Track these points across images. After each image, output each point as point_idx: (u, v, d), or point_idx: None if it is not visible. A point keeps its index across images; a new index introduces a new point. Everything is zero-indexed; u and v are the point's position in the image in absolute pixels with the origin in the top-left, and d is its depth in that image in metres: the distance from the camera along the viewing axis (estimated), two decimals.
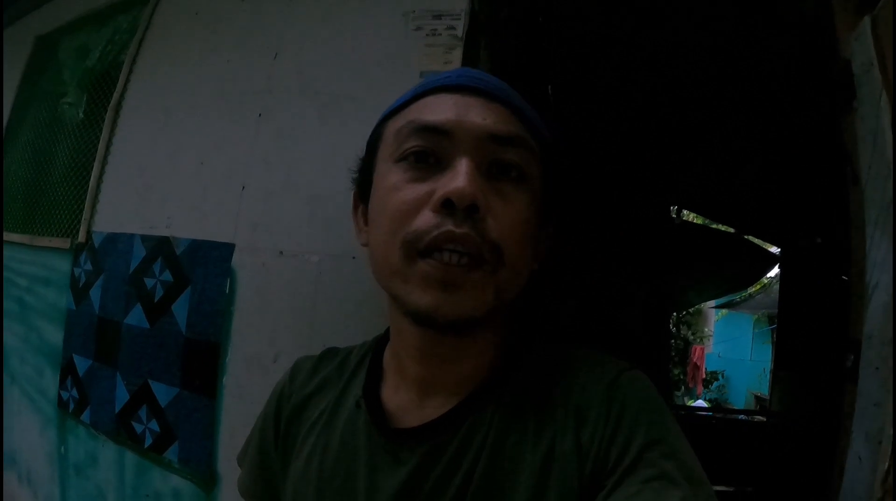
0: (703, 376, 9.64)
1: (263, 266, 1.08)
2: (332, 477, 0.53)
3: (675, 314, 7.36)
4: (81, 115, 1.67)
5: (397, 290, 0.48)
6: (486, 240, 0.45)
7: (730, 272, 3.79)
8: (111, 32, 1.65)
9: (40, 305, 1.58)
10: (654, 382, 0.51)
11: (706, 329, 10.59)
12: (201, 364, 1.12)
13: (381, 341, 0.61)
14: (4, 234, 1.79)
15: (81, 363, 1.36)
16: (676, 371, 8.76)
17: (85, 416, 1.33)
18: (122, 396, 1.24)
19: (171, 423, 1.15)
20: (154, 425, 1.18)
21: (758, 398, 8.32)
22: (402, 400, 0.54)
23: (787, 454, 2.72)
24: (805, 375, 2.74)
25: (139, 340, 1.23)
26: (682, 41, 1.72)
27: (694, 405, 7.09)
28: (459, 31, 1.01)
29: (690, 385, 9.28)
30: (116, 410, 1.25)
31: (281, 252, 1.07)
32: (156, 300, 1.21)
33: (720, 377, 10.25)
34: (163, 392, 1.17)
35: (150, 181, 1.33)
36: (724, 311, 10.60)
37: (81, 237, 1.44)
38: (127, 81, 1.49)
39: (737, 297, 8.93)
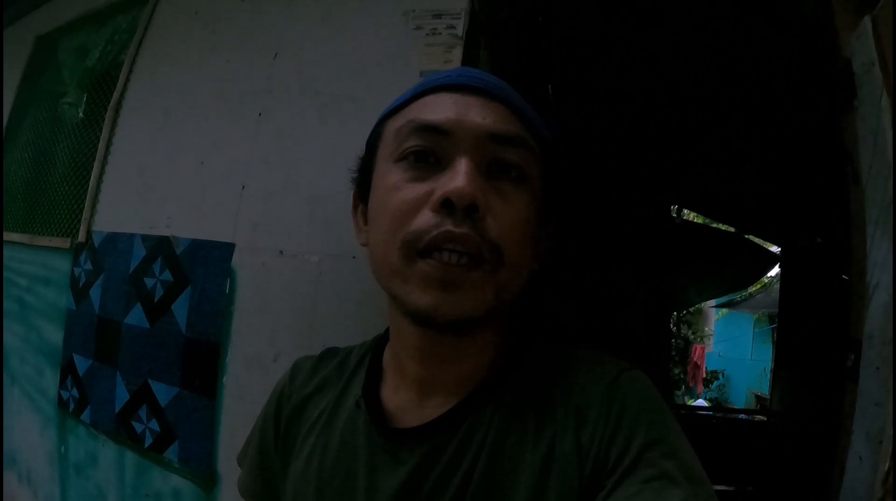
0: (704, 375, 9.64)
1: (263, 266, 1.08)
2: (331, 477, 0.53)
3: (675, 313, 7.37)
4: (81, 114, 1.67)
5: (397, 290, 0.48)
6: (486, 240, 0.45)
7: (730, 272, 3.79)
8: (111, 32, 1.65)
9: (40, 304, 1.58)
10: (654, 381, 0.51)
11: (706, 328, 10.59)
12: (201, 364, 1.12)
13: (381, 340, 0.61)
14: (4, 233, 1.79)
15: (81, 363, 1.36)
16: (677, 371, 8.76)
17: (85, 416, 1.33)
18: (122, 396, 1.24)
19: (171, 423, 1.15)
20: (154, 424, 1.18)
21: (758, 398, 8.31)
22: (402, 400, 0.54)
23: (788, 453, 2.72)
24: (805, 374, 2.74)
25: (139, 340, 1.23)
26: (682, 41, 1.72)
27: (694, 404, 7.09)
28: (459, 31, 1.00)
29: (691, 385, 9.29)
30: (116, 410, 1.25)
31: (281, 252, 1.07)
32: (156, 300, 1.21)
33: (720, 376, 10.25)
34: (163, 392, 1.17)
35: (150, 181, 1.33)
36: (725, 310, 10.60)
37: (81, 237, 1.44)
38: (127, 80, 1.49)
39: (737, 296, 8.92)
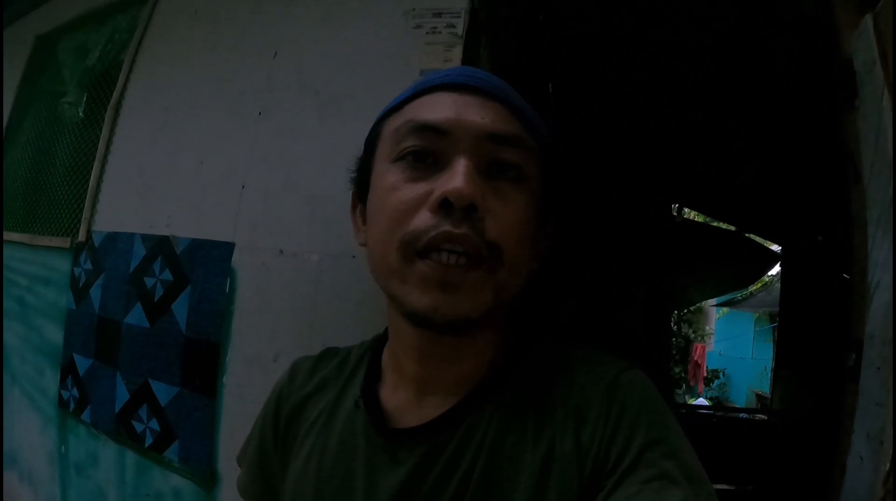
0: (705, 374, 9.65)
1: (263, 266, 1.08)
2: (330, 477, 0.53)
3: (676, 312, 7.37)
4: (81, 114, 1.67)
5: (395, 290, 0.48)
6: (485, 240, 0.45)
7: (730, 271, 3.78)
8: (111, 32, 1.65)
9: (41, 304, 1.58)
10: (654, 381, 0.50)
11: (707, 327, 10.60)
12: (201, 364, 1.12)
13: (380, 340, 0.61)
14: (5, 233, 1.79)
15: (82, 363, 1.36)
16: (677, 369, 8.77)
17: (85, 415, 1.33)
18: (122, 395, 1.24)
19: (171, 422, 1.15)
20: (154, 424, 1.18)
21: (759, 397, 8.31)
22: (401, 400, 0.54)
23: (788, 452, 2.72)
24: (806, 373, 2.74)
25: (139, 339, 1.23)
26: (682, 41, 1.72)
27: (695, 403, 7.09)
28: (460, 30, 1.00)
29: (691, 383, 9.29)
30: (117, 409, 1.25)
31: (281, 251, 1.07)
32: (156, 300, 1.21)
33: (721, 375, 10.26)
34: (163, 392, 1.17)
35: (150, 180, 1.33)
36: (726, 309, 10.60)
37: (81, 237, 1.44)
38: (126, 80, 1.49)
39: (738, 295, 8.92)
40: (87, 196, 1.46)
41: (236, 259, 1.11)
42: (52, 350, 1.47)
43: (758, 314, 9.89)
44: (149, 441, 1.19)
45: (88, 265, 1.40)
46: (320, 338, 0.97)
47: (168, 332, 1.18)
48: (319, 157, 1.07)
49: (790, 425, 2.93)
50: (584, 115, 2.24)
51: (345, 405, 0.57)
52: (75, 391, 1.37)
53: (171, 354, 1.17)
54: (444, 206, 0.44)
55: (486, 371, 0.53)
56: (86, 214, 1.45)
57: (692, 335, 9.77)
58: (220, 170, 1.19)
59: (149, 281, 1.23)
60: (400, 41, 1.04)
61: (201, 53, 1.33)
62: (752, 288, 8.40)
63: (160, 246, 1.23)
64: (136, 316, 1.24)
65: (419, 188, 0.46)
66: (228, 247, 1.12)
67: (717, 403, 8.54)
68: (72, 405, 1.38)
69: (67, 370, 1.40)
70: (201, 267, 1.15)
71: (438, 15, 1.02)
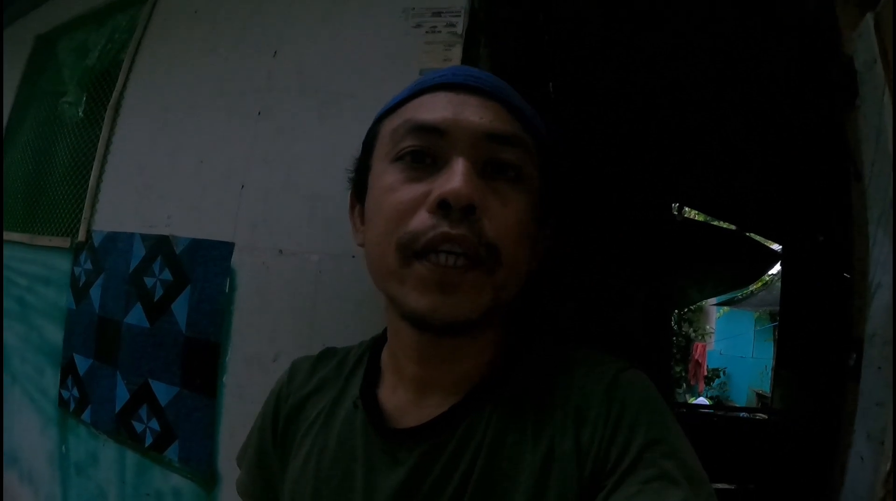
0: (705, 373, 9.66)
1: (263, 265, 1.08)
2: (329, 477, 0.53)
3: (676, 311, 7.36)
4: (81, 114, 1.67)
5: (394, 291, 0.47)
6: (483, 241, 0.45)
7: (731, 270, 3.78)
8: (110, 31, 1.65)
9: (41, 304, 1.58)
10: (654, 381, 0.50)
11: (708, 326, 10.60)
12: (201, 363, 1.12)
13: (379, 341, 0.61)
14: (5, 233, 1.79)
15: (82, 363, 1.36)
16: (678, 369, 8.77)
17: (85, 415, 1.33)
18: (122, 395, 1.24)
19: (171, 422, 1.15)
20: (154, 424, 1.18)
21: (759, 396, 8.31)
22: (400, 400, 0.54)
23: (789, 451, 2.72)
24: (807, 373, 2.74)
25: (139, 339, 1.23)
26: (682, 43, 1.71)
27: (695, 402, 7.09)
28: (459, 29, 1.00)
29: (692, 383, 9.30)
30: (117, 409, 1.25)
31: (281, 251, 1.07)
32: (156, 299, 1.21)
33: (722, 374, 10.26)
34: (163, 392, 1.17)
35: (150, 180, 1.33)
36: (726, 308, 10.60)
37: (81, 236, 1.44)
38: (126, 79, 1.49)
39: (738, 294, 8.92)
40: (87, 196, 1.46)
41: (236, 259, 1.11)
42: (53, 350, 1.47)
43: (758, 313, 9.89)
44: (149, 440, 1.19)
45: (88, 265, 1.40)
46: (320, 338, 0.97)
47: (168, 332, 1.18)
48: (319, 156, 1.07)
49: (791, 424, 2.93)
50: (584, 116, 2.23)
51: (344, 406, 0.57)
52: (75, 391, 1.37)
53: (171, 354, 1.17)
54: (443, 207, 0.44)
55: (485, 371, 0.53)
56: (85, 213, 1.45)
57: (693, 334, 9.77)
58: (219, 169, 1.19)
59: (149, 281, 1.23)
60: (399, 40, 1.04)
61: (201, 53, 1.33)
62: (753, 287, 8.40)
63: (160, 246, 1.23)
64: (136, 316, 1.24)
65: (417, 189, 0.46)
66: (228, 247, 1.12)
67: (718, 402, 8.54)
68: (72, 405, 1.38)
69: (68, 369, 1.40)
70: (201, 267, 1.15)
71: (438, 14, 1.02)
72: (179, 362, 1.15)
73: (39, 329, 1.56)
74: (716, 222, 4.21)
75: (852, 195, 0.82)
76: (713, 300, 9.35)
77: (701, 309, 10.00)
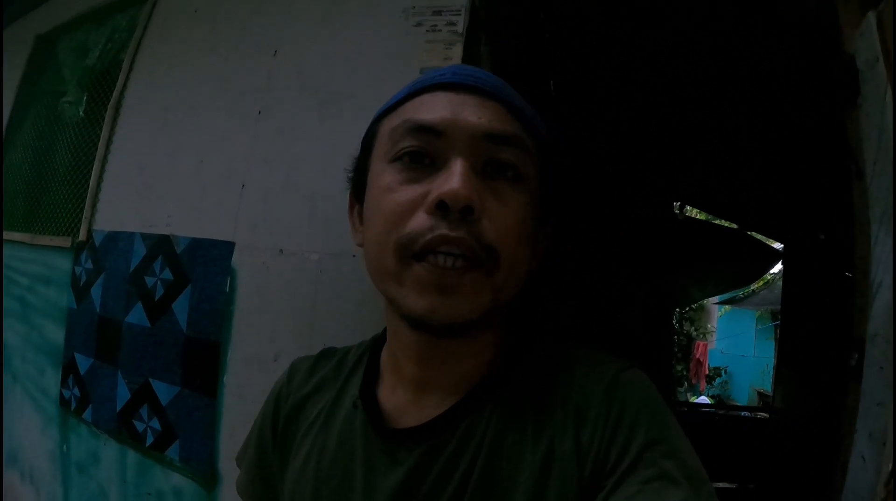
0: (706, 372, 9.66)
1: (263, 265, 1.08)
2: (329, 478, 0.53)
3: (677, 310, 7.36)
4: (81, 113, 1.67)
5: (392, 292, 0.47)
6: (482, 242, 0.45)
7: (732, 269, 3.78)
8: (110, 31, 1.65)
9: (42, 303, 1.58)
10: (655, 381, 0.50)
11: (709, 325, 10.60)
12: (202, 363, 1.12)
13: (379, 341, 0.60)
14: (5, 233, 1.79)
15: (83, 362, 1.37)
16: (679, 367, 8.77)
17: (86, 415, 1.33)
18: (123, 394, 1.25)
19: (172, 422, 1.16)
20: (155, 423, 1.18)
21: (761, 395, 8.32)
22: (400, 400, 0.54)
23: (790, 451, 2.72)
24: (808, 372, 2.74)
25: (140, 338, 1.23)
26: (683, 41, 1.71)
27: (697, 401, 7.09)
28: (460, 28, 1.00)
29: (693, 381, 9.30)
30: (118, 408, 1.25)
31: (281, 251, 1.07)
32: (156, 299, 1.21)
33: (723, 373, 10.25)
34: (164, 391, 1.17)
35: (150, 180, 1.33)
36: (728, 307, 10.59)
37: (82, 236, 1.44)
38: (126, 79, 1.49)
39: (740, 293, 8.91)
40: (88, 196, 1.46)
41: (236, 259, 1.11)
42: (54, 350, 1.47)
43: (760, 312, 9.88)
44: (150, 440, 1.19)
45: (89, 265, 1.40)
46: (320, 338, 0.97)
47: (168, 331, 1.18)
48: (319, 156, 1.07)
49: (792, 423, 2.93)
50: (585, 114, 2.23)
51: (343, 406, 0.56)
52: (76, 391, 1.37)
53: (172, 353, 1.17)
54: (441, 208, 0.44)
55: (485, 371, 0.52)
56: (86, 213, 1.45)
57: (694, 333, 9.77)
58: (220, 169, 1.19)
59: (149, 280, 1.23)
60: (400, 40, 1.04)
61: (201, 53, 1.32)
62: (754, 286, 8.39)
63: (160, 245, 1.23)
64: (136, 315, 1.24)
65: (416, 190, 0.46)
66: (228, 246, 1.12)
67: (719, 401, 8.53)
68: (73, 405, 1.38)
69: (68, 369, 1.40)
70: (201, 266, 1.15)
71: (438, 13, 1.02)
72: (180, 361, 1.16)
73: (40, 329, 1.56)
74: (717, 221, 4.20)
75: (854, 194, 0.81)
76: (714, 299, 9.34)
77: (702, 308, 10.00)
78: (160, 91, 1.39)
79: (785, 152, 2.28)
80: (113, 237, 1.36)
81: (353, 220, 0.57)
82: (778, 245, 3.79)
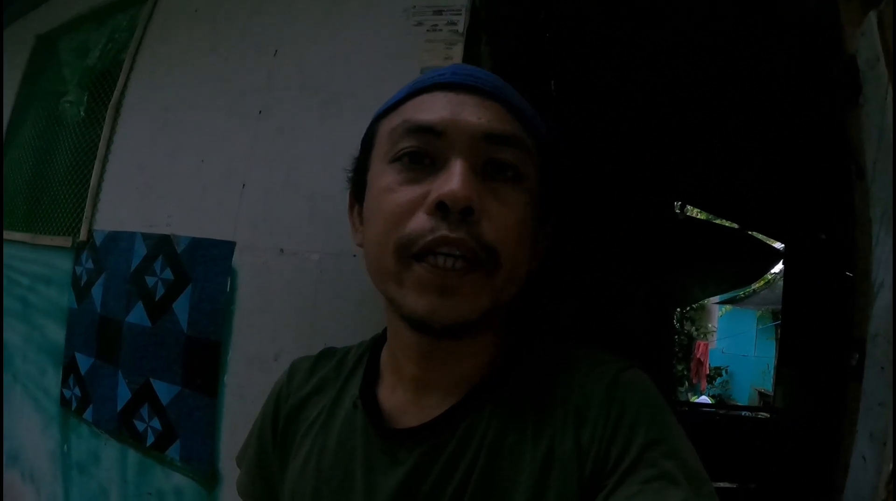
0: (707, 372, 9.65)
1: (264, 264, 1.08)
2: (329, 478, 0.53)
3: (678, 310, 7.35)
4: (82, 113, 1.67)
5: (392, 293, 0.47)
6: (482, 243, 0.44)
7: (733, 268, 3.78)
8: (111, 31, 1.65)
9: (42, 303, 1.58)
10: (655, 380, 0.50)
11: (710, 325, 10.58)
12: (202, 363, 1.12)
13: (379, 340, 0.60)
14: (6, 233, 1.79)
15: (83, 362, 1.37)
16: (680, 367, 8.76)
17: (87, 414, 1.34)
18: (123, 394, 1.25)
19: (172, 421, 1.16)
20: (156, 423, 1.18)
21: (762, 395, 8.31)
22: (400, 400, 0.54)
23: (791, 451, 2.71)
24: (809, 372, 2.73)
25: (141, 338, 1.23)
26: (683, 41, 1.71)
27: (697, 401, 7.08)
28: (460, 27, 1.00)
29: (694, 381, 9.29)
30: (118, 408, 1.25)
31: (281, 250, 1.07)
32: (157, 299, 1.21)
33: (724, 372, 10.24)
34: (164, 391, 1.17)
35: (151, 180, 1.33)
36: (728, 307, 10.57)
37: (83, 236, 1.44)
38: (127, 79, 1.49)
39: (741, 293, 8.90)
40: (88, 195, 1.46)
41: (237, 258, 1.11)
42: (54, 349, 1.47)
43: (760, 312, 9.87)
44: (150, 440, 1.19)
45: (90, 264, 1.41)
46: (321, 337, 0.97)
47: (169, 331, 1.18)
48: (320, 155, 1.07)
49: (793, 423, 2.92)
50: (585, 114, 2.23)
51: (343, 406, 0.56)
52: (77, 390, 1.37)
53: (173, 353, 1.17)
54: (441, 209, 0.44)
55: (485, 371, 0.52)
56: (87, 213, 1.45)
57: (695, 333, 9.76)
58: (220, 169, 1.19)
59: (150, 280, 1.23)
60: (400, 39, 1.04)
61: (201, 53, 1.33)
62: (755, 286, 8.38)
63: (161, 245, 1.23)
64: (137, 315, 1.25)
65: (415, 190, 0.46)
66: (229, 246, 1.12)
67: (720, 401, 8.52)
68: (74, 404, 1.38)
69: (69, 369, 1.41)
70: (202, 266, 1.15)
71: (439, 13, 1.02)
72: (181, 361, 1.16)
73: (41, 329, 1.56)
74: (718, 221, 4.20)
75: (855, 194, 0.81)
76: (715, 299, 9.32)
77: (703, 307, 9.98)
78: (161, 91, 1.39)
79: (785, 152, 2.28)
80: (114, 237, 1.36)
81: (353, 220, 0.57)
82: (779, 245, 3.79)
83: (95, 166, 1.46)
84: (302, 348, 0.86)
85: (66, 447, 1.41)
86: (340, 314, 0.99)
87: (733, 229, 3.73)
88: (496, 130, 0.47)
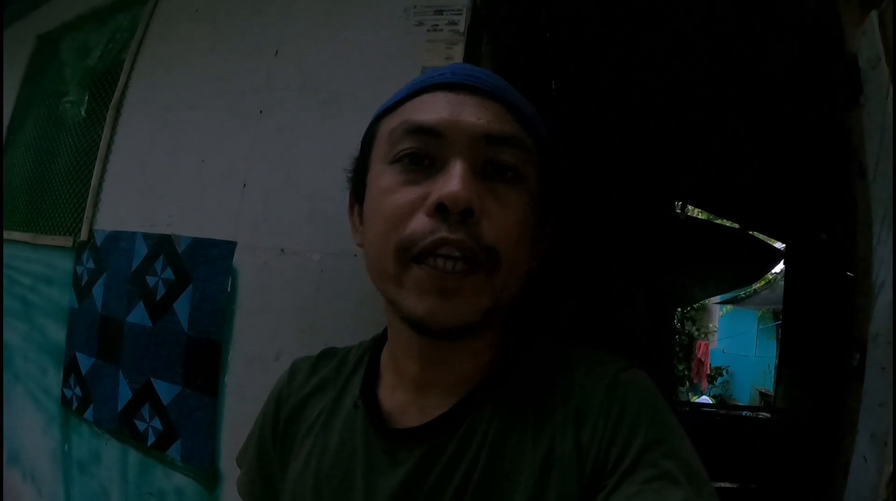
0: (708, 372, 9.64)
1: (265, 264, 1.08)
2: (329, 478, 0.53)
3: (679, 310, 7.35)
4: (83, 113, 1.68)
5: (392, 294, 0.47)
6: (482, 244, 0.44)
7: (734, 268, 3.77)
8: (112, 31, 1.65)
9: (43, 303, 1.58)
10: (656, 380, 0.50)
11: (711, 325, 10.57)
12: (203, 363, 1.12)
13: (380, 341, 0.60)
14: (7, 233, 1.79)
15: (84, 361, 1.37)
16: (681, 367, 8.75)
17: (88, 414, 1.34)
18: (124, 394, 1.25)
19: (173, 421, 1.16)
20: (157, 423, 1.18)
21: (762, 395, 8.30)
22: (400, 400, 0.54)
23: (792, 451, 2.71)
24: (810, 372, 2.73)
25: (141, 338, 1.23)
26: (682, 41, 1.71)
27: (698, 401, 7.07)
28: (461, 27, 1.00)
29: (695, 381, 9.28)
30: (119, 408, 1.25)
31: (282, 250, 1.07)
32: (158, 299, 1.21)
33: (725, 372, 10.23)
34: (165, 390, 1.18)
35: (152, 180, 1.33)
36: (729, 306, 10.56)
37: (84, 236, 1.44)
38: (128, 79, 1.49)
39: (741, 293, 8.89)
40: (89, 195, 1.46)
41: (237, 258, 1.11)
42: (55, 349, 1.48)
43: (761, 312, 9.86)
44: (151, 439, 1.19)
45: (91, 264, 1.41)
46: (321, 337, 0.97)
47: (170, 331, 1.18)
48: (320, 155, 1.07)
49: (793, 423, 2.92)
50: (584, 114, 2.23)
51: (344, 406, 0.56)
52: (78, 390, 1.37)
53: (173, 353, 1.17)
54: (441, 210, 0.44)
55: (485, 372, 0.52)
56: (88, 213, 1.45)
57: (695, 333, 9.75)
58: (221, 169, 1.19)
59: (151, 280, 1.23)
60: (401, 39, 1.04)
61: (202, 53, 1.33)
62: (756, 286, 8.38)
63: (162, 245, 1.24)
64: (138, 315, 1.25)
65: (415, 192, 0.46)
66: (230, 246, 1.12)
67: (721, 401, 8.52)
68: (75, 404, 1.38)
69: (70, 368, 1.41)
70: (203, 266, 1.16)
71: (440, 12, 1.02)
72: (181, 361, 1.16)
73: (42, 328, 1.57)
74: (718, 221, 4.20)
75: (856, 194, 0.81)
76: (716, 299, 9.31)
77: (704, 307, 9.97)
78: (161, 91, 1.40)
79: (785, 152, 2.28)
80: (114, 237, 1.36)
81: (353, 220, 0.57)
82: (779, 245, 3.79)
83: (96, 166, 1.47)
84: (302, 348, 0.86)
85: (66, 446, 1.41)
86: (341, 314, 0.99)
87: (734, 228, 3.73)
88: (496, 131, 0.47)
